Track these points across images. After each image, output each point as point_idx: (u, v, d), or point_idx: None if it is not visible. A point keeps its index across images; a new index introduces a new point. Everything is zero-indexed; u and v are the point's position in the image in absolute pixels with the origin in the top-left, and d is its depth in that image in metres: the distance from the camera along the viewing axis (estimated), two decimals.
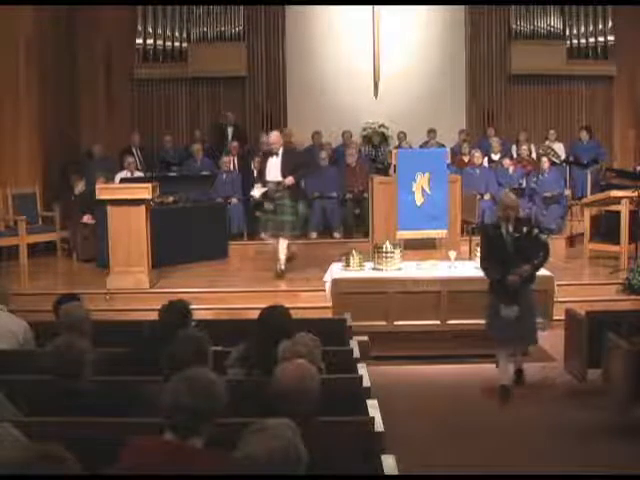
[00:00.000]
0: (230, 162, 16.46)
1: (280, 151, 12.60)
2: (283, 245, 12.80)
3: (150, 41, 18.14)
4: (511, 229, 8.84)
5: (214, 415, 4.07)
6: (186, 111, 18.71)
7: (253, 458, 3.48)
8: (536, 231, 9.24)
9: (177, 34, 18.23)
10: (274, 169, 12.57)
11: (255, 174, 15.66)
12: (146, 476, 3.77)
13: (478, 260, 10.93)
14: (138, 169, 16.08)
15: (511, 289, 8.69)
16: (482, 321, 9.81)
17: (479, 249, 9.37)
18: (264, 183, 12.66)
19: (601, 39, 18.47)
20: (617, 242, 13.08)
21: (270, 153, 12.72)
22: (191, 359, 4.95)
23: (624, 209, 13.03)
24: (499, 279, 8.78)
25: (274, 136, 12.90)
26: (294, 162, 12.73)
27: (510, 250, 8.78)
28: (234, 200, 15.91)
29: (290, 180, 12.44)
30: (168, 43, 18.22)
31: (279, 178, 12.49)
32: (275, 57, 18.39)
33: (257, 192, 12.71)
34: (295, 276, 12.81)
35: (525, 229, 8.90)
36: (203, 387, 4.06)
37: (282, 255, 12.80)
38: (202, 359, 5.28)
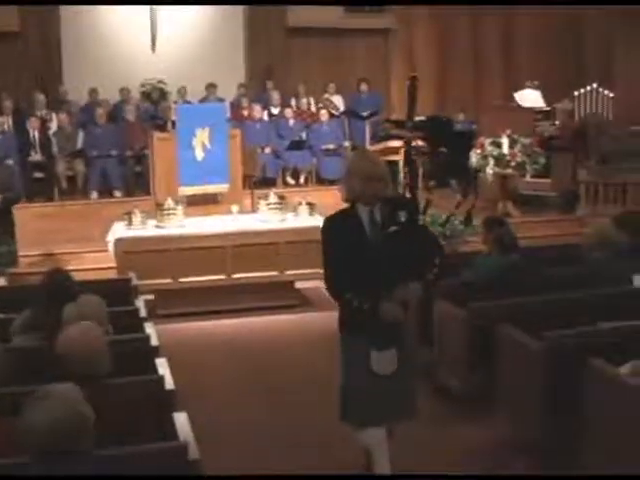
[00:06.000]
0: (4, 122, 15.87)
1: None
2: None
3: None
4: (378, 218, 5.27)
5: None
6: None
7: (36, 426, 3.42)
8: (421, 218, 6.35)
9: None
10: None
11: (31, 135, 15.29)
12: None
13: (262, 212, 11.06)
14: None
15: (387, 324, 5.16)
16: (268, 273, 9.97)
17: (323, 257, 5.39)
18: None
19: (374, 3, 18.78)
20: None
21: None
22: None
23: (402, 159, 13.33)
24: (366, 309, 5.15)
25: None
26: None
27: (380, 255, 5.20)
28: (9, 162, 15.32)
29: None
30: None
31: None
32: (48, 13, 17.73)
33: None
34: (78, 237, 12.55)
35: (402, 216, 5.27)
36: None
37: None
38: None
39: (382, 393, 5.25)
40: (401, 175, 12.15)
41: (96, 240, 11.76)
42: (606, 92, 16.78)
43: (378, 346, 5.19)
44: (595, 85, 16.89)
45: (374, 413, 5.32)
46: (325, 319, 9.73)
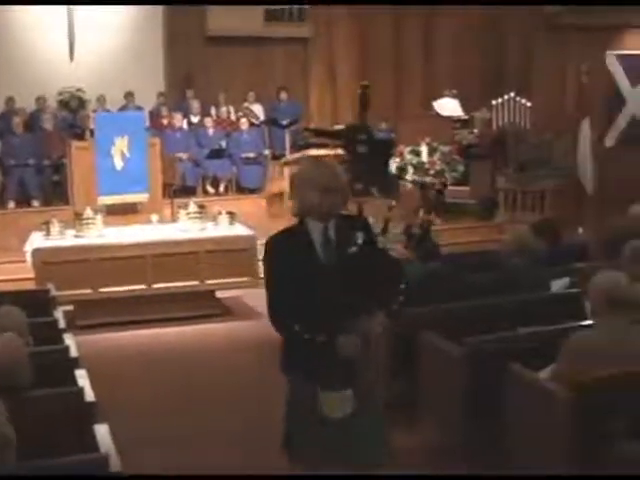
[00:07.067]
0: None
1: None
2: None
3: None
4: (333, 237, 4.50)
5: None
6: None
7: None
8: (380, 240, 5.67)
9: None
10: None
11: None
12: None
13: (182, 221, 11.02)
14: None
15: (342, 359, 4.35)
16: (189, 282, 9.94)
17: (266, 283, 4.52)
18: None
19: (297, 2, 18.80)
20: None
21: None
22: None
23: None
24: (319, 342, 4.33)
25: None
26: None
27: (335, 280, 4.36)
28: None
29: None
30: None
31: None
32: None
33: None
34: None
35: (360, 237, 4.43)
36: None
37: None
38: None
39: (335, 440, 4.45)
40: None
41: (14, 250, 11.63)
42: (523, 101, 16.98)
43: (331, 386, 4.37)
44: (512, 94, 17.07)
45: (324, 462, 4.50)
46: (247, 328, 9.79)
